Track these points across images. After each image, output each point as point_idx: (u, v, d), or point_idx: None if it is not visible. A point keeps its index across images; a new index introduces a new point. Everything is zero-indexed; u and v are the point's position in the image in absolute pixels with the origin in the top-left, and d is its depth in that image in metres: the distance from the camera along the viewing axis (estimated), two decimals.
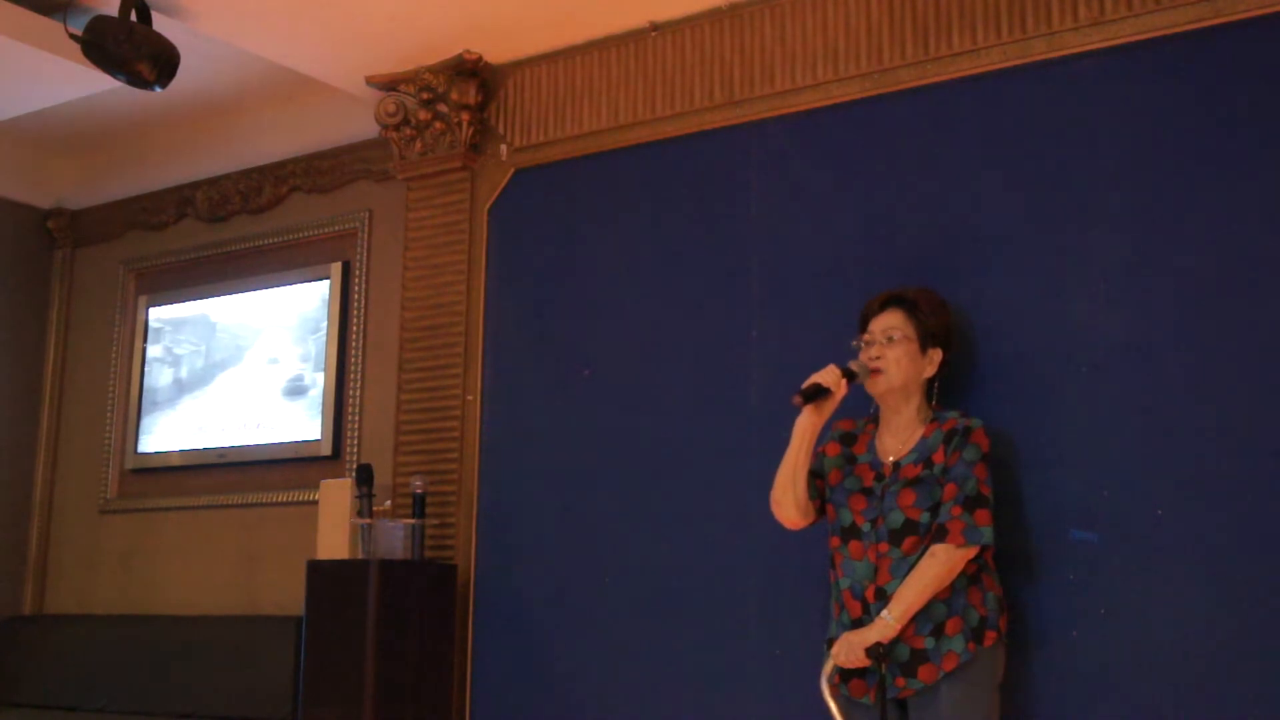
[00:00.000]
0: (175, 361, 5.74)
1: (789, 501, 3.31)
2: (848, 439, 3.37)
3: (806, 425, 3.26)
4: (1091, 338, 3.37)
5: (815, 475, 3.34)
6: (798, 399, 3.21)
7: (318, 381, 5.22)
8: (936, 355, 3.33)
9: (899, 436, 3.29)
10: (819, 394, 3.21)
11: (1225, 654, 3.09)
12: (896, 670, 3.11)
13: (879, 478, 3.25)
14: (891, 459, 3.26)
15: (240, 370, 5.50)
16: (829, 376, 3.22)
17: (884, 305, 3.34)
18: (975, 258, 3.58)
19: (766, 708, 3.72)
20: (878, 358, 3.27)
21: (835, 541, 3.29)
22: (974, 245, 3.59)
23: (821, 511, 3.36)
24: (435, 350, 4.60)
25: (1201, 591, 3.14)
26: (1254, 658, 3.06)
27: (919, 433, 3.27)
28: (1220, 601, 3.11)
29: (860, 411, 3.40)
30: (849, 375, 3.24)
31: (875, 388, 3.29)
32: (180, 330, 5.74)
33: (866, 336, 3.33)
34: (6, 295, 6.03)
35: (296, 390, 5.30)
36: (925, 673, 3.08)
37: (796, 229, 3.93)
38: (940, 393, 3.36)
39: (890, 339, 3.28)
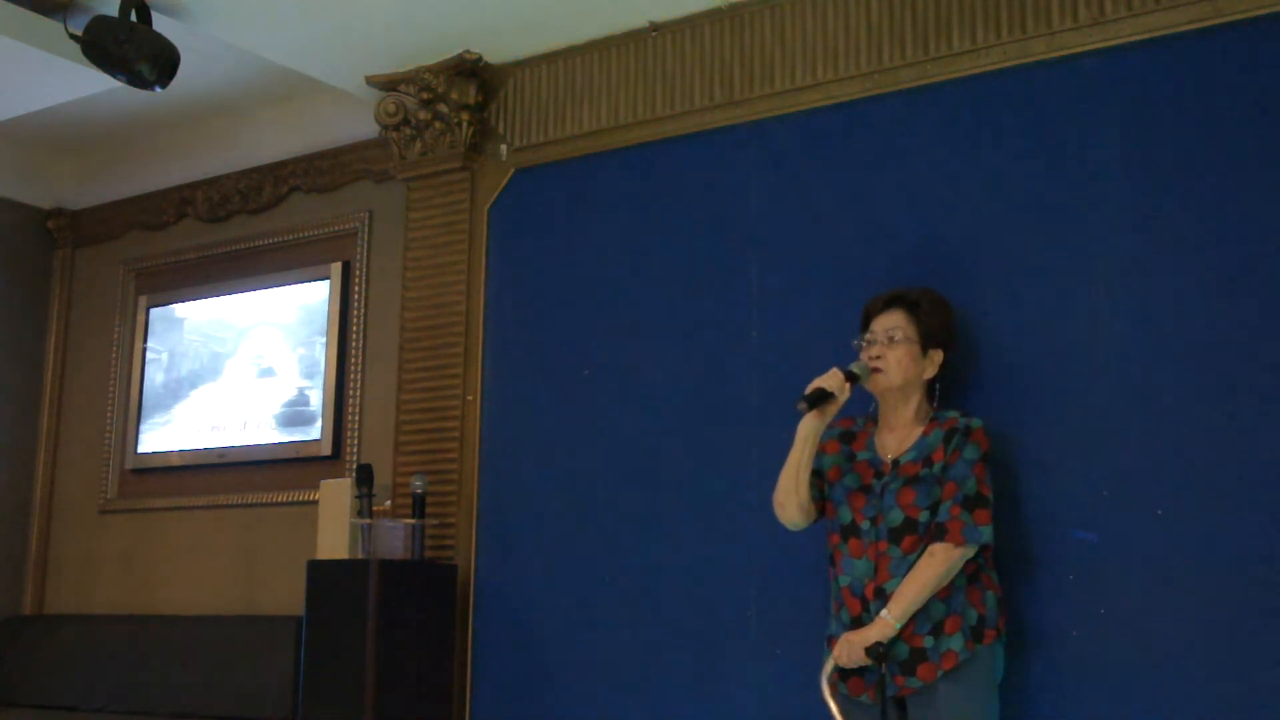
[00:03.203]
0: (175, 362, 5.74)
1: (792, 504, 3.31)
2: (847, 437, 3.37)
3: (810, 429, 3.25)
4: (1091, 338, 3.37)
5: (815, 474, 3.34)
6: (802, 405, 3.20)
7: (317, 381, 5.21)
8: (937, 356, 3.32)
9: (898, 435, 3.29)
10: (823, 398, 3.20)
11: (1225, 654, 3.09)
12: (896, 669, 3.11)
13: (878, 475, 3.25)
14: (891, 456, 3.26)
15: (240, 370, 5.50)
16: (832, 381, 3.21)
17: (886, 305, 3.34)
18: (975, 257, 3.58)
19: (766, 707, 3.72)
20: (878, 357, 3.27)
21: (835, 539, 3.29)
22: (974, 245, 3.59)
23: (823, 511, 3.36)
24: (435, 350, 4.60)
25: (1201, 591, 3.14)
26: (1253, 657, 3.06)
27: (918, 431, 3.27)
28: (1220, 601, 3.11)
29: (860, 409, 3.40)
30: (851, 378, 3.23)
31: (875, 386, 3.29)
32: (180, 330, 5.74)
33: (868, 336, 3.33)
34: (6, 295, 6.03)
35: (296, 389, 5.30)
36: (924, 671, 3.08)
37: (796, 229, 3.93)
38: (941, 394, 3.35)
39: (892, 339, 3.27)
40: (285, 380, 5.33)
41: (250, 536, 5.29)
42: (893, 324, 3.29)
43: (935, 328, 3.32)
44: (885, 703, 3.09)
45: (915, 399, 3.30)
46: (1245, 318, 3.19)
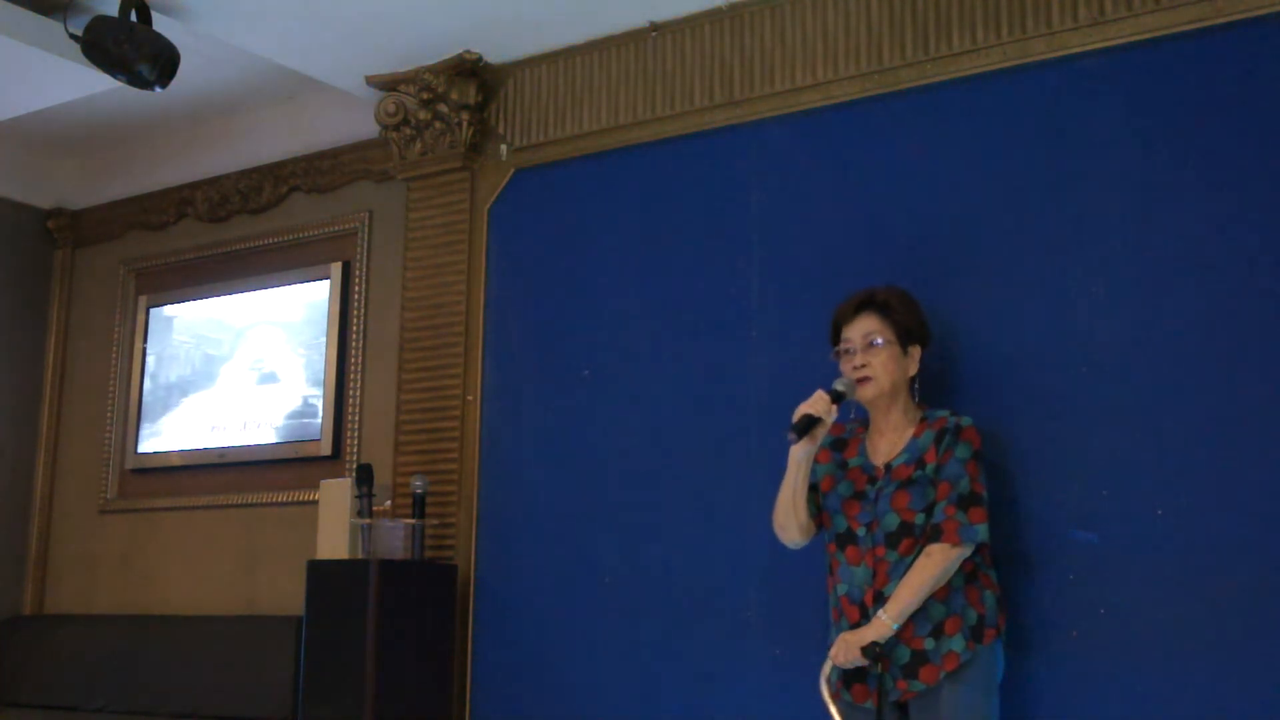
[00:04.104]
0: (175, 361, 5.73)
1: (792, 526, 3.30)
2: (838, 445, 3.35)
3: (802, 454, 3.21)
4: (1090, 338, 3.37)
5: (810, 489, 3.31)
6: (791, 435, 3.16)
7: (318, 381, 5.21)
8: (917, 352, 3.30)
9: (889, 438, 3.27)
10: (812, 425, 3.16)
11: (1225, 654, 3.09)
12: (898, 673, 3.10)
13: (871, 481, 3.24)
14: (883, 461, 3.25)
15: (240, 370, 5.50)
16: (819, 405, 3.16)
17: (856, 310, 3.29)
18: (975, 257, 3.58)
19: (766, 708, 3.72)
20: (863, 365, 3.23)
21: (832, 548, 3.28)
22: (974, 245, 3.59)
23: (822, 524, 3.35)
24: (435, 350, 4.60)
25: (1201, 591, 3.14)
26: (1253, 657, 3.06)
27: (909, 433, 3.25)
28: (1220, 601, 3.11)
29: (847, 415, 3.38)
30: (837, 398, 3.19)
31: (865, 395, 3.25)
32: (179, 330, 5.74)
33: (844, 345, 3.29)
34: (6, 295, 6.03)
35: (301, 398, 5.29)
36: (926, 674, 3.08)
37: (796, 229, 3.93)
38: (922, 389, 3.33)
39: (872, 344, 3.24)
40: (289, 387, 5.31)
41: (250, 536, 5.29)
42: (869, 329, 3.26)
43: (911, 324, 3.30)
44: (884, 707, 3.08)
45: (902, 400, 3.28)
46: (1245, 317, 3.19)
